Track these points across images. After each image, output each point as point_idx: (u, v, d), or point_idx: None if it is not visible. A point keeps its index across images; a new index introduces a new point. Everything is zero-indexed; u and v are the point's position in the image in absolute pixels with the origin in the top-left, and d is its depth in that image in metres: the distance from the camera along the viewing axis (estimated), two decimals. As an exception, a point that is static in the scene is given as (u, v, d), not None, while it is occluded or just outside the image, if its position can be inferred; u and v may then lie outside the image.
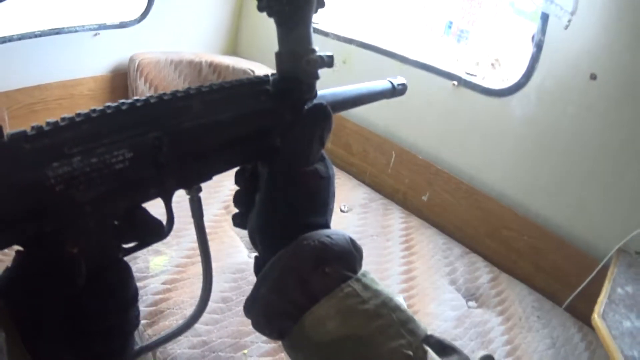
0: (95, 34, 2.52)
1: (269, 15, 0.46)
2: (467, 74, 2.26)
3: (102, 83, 2.73)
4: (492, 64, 3.45)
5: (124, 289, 0.42)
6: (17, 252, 0.36)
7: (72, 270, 0.37)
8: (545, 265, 2.07)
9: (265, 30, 3.05)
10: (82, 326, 0.39)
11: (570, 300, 1.99)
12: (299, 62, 0.48)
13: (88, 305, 0.39)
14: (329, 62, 0.50)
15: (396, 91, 0.66)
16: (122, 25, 2.63)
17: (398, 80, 0.66)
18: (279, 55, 0.49)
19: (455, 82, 2.25)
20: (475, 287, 2.05)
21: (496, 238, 2.21)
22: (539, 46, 1.97)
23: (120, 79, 2.75)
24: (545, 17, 1.93)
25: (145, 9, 2.67)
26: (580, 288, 1.96)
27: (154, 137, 0.40)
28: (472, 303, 1.99)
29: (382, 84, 0.65)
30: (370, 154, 2.63)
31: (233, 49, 3.32)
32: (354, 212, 2.38)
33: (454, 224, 2.35)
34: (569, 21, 1.80)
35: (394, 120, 2.52)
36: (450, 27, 4.18)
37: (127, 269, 0.43)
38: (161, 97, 0.42)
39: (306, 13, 0.47)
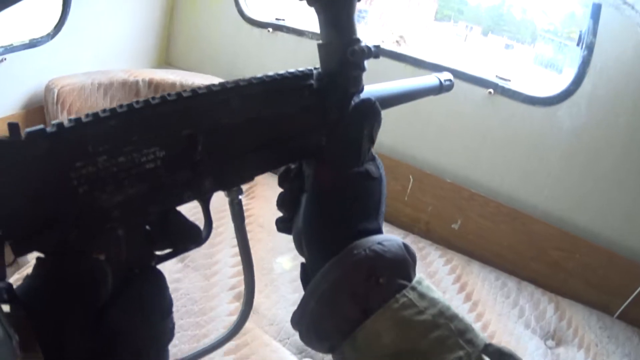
0: (1, 60, 1.94)
1: (310, 3, 0.44)
2: (499, 78, 1.98)
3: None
4: (397, 41, 3.50)
5: (157, 300, 0.39)
6: (38, 259, 0.34)
7: (96, 279, 0.35)
8: (596, 279, 1.99)
9: (201, 37, 2.69)
10: (110, 343, 0.36)
11: (623, 309, 1.95)
12: (342, 53, 0.45)
13: (116, 319, 0.36)
14: (375, 52, 0.46)
15: (443, 87, 0.64)
16: (33, 44, 2.09)
17: (444, 76, 0.64)
18: (321, 48, 0.46)
19: (492, 90, 1.96)
20: (547, 324, 1.90)
21: (543, 260, 2.05)
22: (590, 48, 1.79)
23: (35, 115, 2.22)
24: (596, 17, 1.73)
25: (59, 21, 2.15)
26: (633, 296, 1.92)
27: (188, 135, 0.37)
28: (550, 343, 1.84)
29: (429, 80, 0.63)
30: (380, 180, 2.23)
31: (165, 59, 2.86)
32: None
33: (492, 251, 2.12)
34: (643, 24, 1.62)
35: (410, 139, 2.17)
36: None
37: (160, 277, 0.40)
38: (195, 91, 0.39)
39: (349, 1, 0.44)
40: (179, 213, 0.41)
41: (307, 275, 0.47)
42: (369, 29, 3.84)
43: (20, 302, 0.32)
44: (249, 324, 1.48)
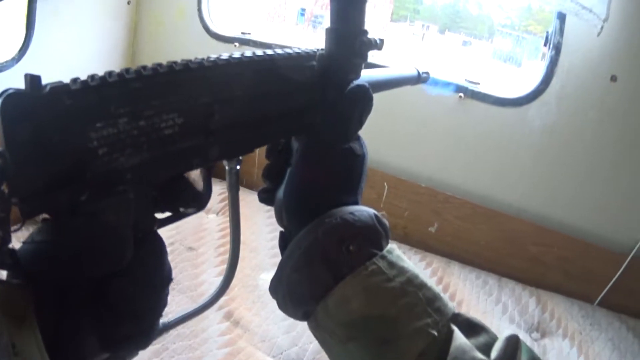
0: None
1: None
2: (468, 81, 2.01)
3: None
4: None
5: (159, 266, 0.40)
6: (44, 221, 0.33)
7: (110, 244, 0.35)
8: (575, 270, 2.04)
9: (166, 54, 2.57)
10: (113, 306, 0.36)
11: (602, 296, 2.02)
12: (351, 42, 0.47)
13: (122, 283, 0.36)
14: (380, 45, 0.49)
15: (420, 79, 0.68)
16: None
17: (423, 69, 0.67)
18: (331, 32, 0.47)
19: (462, 94, 1.99)
20: (530, 317, 1.94)
21: (521, 256, 2.09)
22: (557, 48, 1.84)
23: (5, 141, 1.95)
24: (562, 17, 1.79)
25: (23, 44, 2.06)
26: (611, 283, 1.98)
27: (205, 103, 0.38)
28: (535, 335, 1.89)
29: (409, 71, 0.66)
30: (352, 190, 2.22)
31: None
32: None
33: (470, 251, 2.15)
34: (602, 28, 1.68)
35: (383, 146, 2.16)
36: (302, 15, 4.02)
37: (162, 243, 0.41)
38: (216, 62, 0.39)
39: None
40: (185, 178, 0.42)
41: (285, 243, 0.49)
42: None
43: (21, 267, 0.31)
44: (242, 343, 1.49)
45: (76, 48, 2.37)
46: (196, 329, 1.51)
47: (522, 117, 1.96)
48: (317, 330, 0.46)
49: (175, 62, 0.37)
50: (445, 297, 0.45)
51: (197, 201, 0.44)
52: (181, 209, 0.43)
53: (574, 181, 1.98)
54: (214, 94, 0.39)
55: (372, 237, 0.46)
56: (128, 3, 2.58)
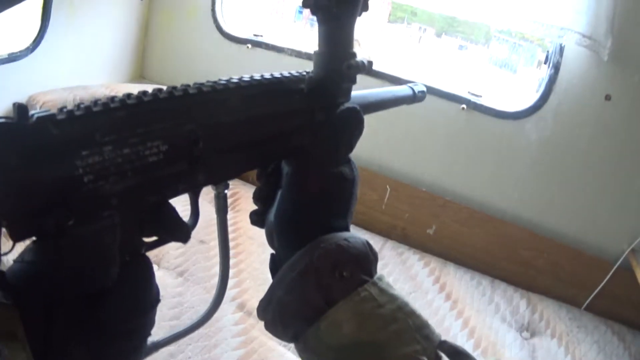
0: (-19, 75, 1.91)
1: (313, 12, 0.45)
2: (471, 94, 2.12)
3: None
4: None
5: (147, 288, 0.41)
6: (33, 243, 0.33)
7: (97, 265, 0.36)
8: (564, 275, 2.15)
9: (177, 52, 2.68)
10: (101, 325, 0.37)
11: (590, 301, 2.13)
12: (339, 65, 0.47)
13: (110, 303, 0.37)
14: (368, 67, 0.49)
15: (416, 97, 0.67)
16: (12, 58, 2.02)
17: (418, 87, 0.67)
18: (319, 55, 0.48)
19: (464, 106, 2.09)
20: (521, 317, 2.05)
21: (513, 260, 2.20)
22: (556, 68, 1.96)
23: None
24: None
25: (38, 35, 2.09)
26: (598, 289, 2.10)
27: (189, 130, 0.39)
28: (525, 334, 1.99)
29: (404, 90, 0.66)
30: (356, 191, 2.31)
31: (140, 73, 2.79)
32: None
33: (466, 253, 2.26)
34: (608, 54, 1.79)
35: (387, 152, 2.27)
36: (301, 12, 4.00)
37: (150, 265, 0.41)
38: (200, 88, 0.40)
39: (352, 14, 0.46)
40: (170, 204, 0.42)
41: (276, 265, 0.50)
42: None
43: (10, 289, 0.32)
44: (255, 333, 1.57)
45: (88, 41, 2.41)
46: (211, 318, 1.60)
47: (520, 130, 2.07)
48: (305, 352, 0.46)
49: (160, 90, 0.38)
50: (431, 326, 0.46)
51: (179, 230, 0.43)
52: (164, 235, 0.43)
53: (566, 192, 2.09)
54: (198, 120, 0.39)
55: (364, 264, 0.47)
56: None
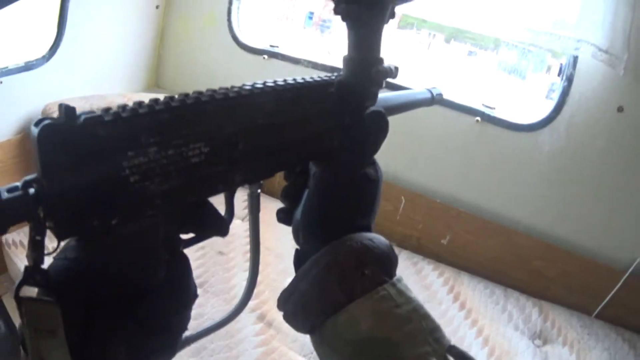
0: (-3, 84, 1.89)
1: (343, 19, 0.47)
2: (485, 106, 2.15)
3: (10, 150, 2.05)
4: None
5: (186, 284, 0.42)
6: (77, 241, 0.34)
7: (155, 262, 0.37)
8: (576, 284, 2.17)
9: (193, 61, 2.67)
10: (142, 322, 0.38)
11: (600, 309, 2.14)
12: (368, 70, 0.49)
13: (152, 300, 0.38)
14: (395, 73, 0.52)
15: (434, 100, 0.70)
16: (28, 66, 2.04)
17: (436, 90, 0.70)
18: (348, 61, 0.50)
19: (479, 118, 2.12)
20: (533, 325, 2.07)
21: (526, 269, 2.22)
22: (569, 80, 1.98)
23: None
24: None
25: (54, 43, 2.12)
26: (609, 297, 2.12)
27: (230, 133, 0.40)
28: (537, 342, 2.02)
29: (422, 93, 0.69)
30: (371, 203, 2.33)
31: (155, 82, 2.78)
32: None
33: (479, 263, 2.28)
34: (624, 67, 1.81)
35: (402, 164, 2.30)
36: (311, 18, 4.00)
37: (188, 262, 0.43)
38: (239, 92, 0.41)
39: (380, 21, 0.48)
40: (211, 204, 0.43)
41: (299, 260, 0.52)
42: (334, 39, 3.80)
43: (52, 287, 0.33)
44: (275, 343, 1.60)
45: (104, 50, 2.42)
46: (232, 329, 1.63)
47: (533, 141, 2.10)
48: (321, 346, 0.48)
49: (201, 93, 0.39)
50: (442, 330, 0.47)
51: (221, 226, 0.45)
52: (204, 232, 0.44)
53: (579, 202, 2.11)
54: (238, 123, 0.40)
55: (386, 264, 0.49)
56: (157, 7, 2.61)
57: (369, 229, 0.52)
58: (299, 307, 0.48)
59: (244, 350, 1.57)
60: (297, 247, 0.54)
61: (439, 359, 0.44)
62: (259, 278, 1.87)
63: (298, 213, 0.53)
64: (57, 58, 2.15)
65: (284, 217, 0.55)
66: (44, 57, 2.11)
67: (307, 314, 0.48)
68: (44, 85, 2.13)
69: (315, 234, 0.51)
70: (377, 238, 0.50)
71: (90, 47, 2.32)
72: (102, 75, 2.46)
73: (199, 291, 1.47)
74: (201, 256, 1.97)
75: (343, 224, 0.50)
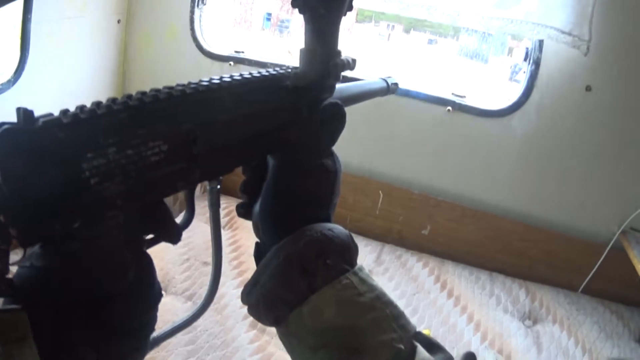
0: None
1: (301, 12, 0.47)
2: (455, 95, 2.17)
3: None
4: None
5: (152, 283, 0.42)
6: (42, 246, 0.34)
7: (123, 264, 0.37)
8: (559, 262, 2.22)
9: (159, 74, 2.65)
10: (109, 325, 0.38)
11: (585, 284, 2.20)
12: (325, 63, 0.49)
13: (118, 302, 0.38)
14: (352, 65, 0.51)
15: (390, 89, 0.69)
16: None
17: (391, 80, 0.69)
18: (305, 53, 0.49)
19: (450, 108, 2.14)
20: (522, 307, 2.11)
21: (509, 252, 2.26)
22: (537, 63, 2.02)
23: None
24: None
25: (19, 66, 2.09)
26: (592, 271, 2.18)
27: (188, 129, 0.39)
28: (528, 322, 2.05)
29: (377, 83, 0.68)
30: (349, 199, 2.35)
31: (122, 93, 2.56)
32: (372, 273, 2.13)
33: (461, 250, 2.31)
34: (588, 48, 1.85)
35: (377, 157, 2.31)
36: (269, 20, 3.97)
37: (151, 261, 0.42)
38: (197, 88, 0.41)
39: (338, 14, 0.48)
40: (165, 203, 0.43)
41: (260, 253, 0.51)
42: (293, 38, 3.76)
43: (18, 294, 0.32)
44: (272, 349, 1.59)
45: (69, 68, 2.37)
46: (227, 338, 1.61)
47: (505, 126, 2.13)
48: (287, 336, 0.48)
49: (158, 90, 0.38)
50: (407, 316, 0.48)
51: (175, 231, 0.44)
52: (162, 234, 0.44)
53: (554, 182, 2.16)
54: (196, 119, 0.40)
55: (346, 253, 0.49)
56: (118, 21, 2.57)
57: (328, 220, 0.52)
58: (261, 300, 0.48)
59: (241, 358, 1.56)
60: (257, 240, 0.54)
61: (405, 345, 0.44)
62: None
63: (257, 207, 0.52)
64: (23, 81, 2.11)
65: (243, 211, 0.54)
66: (9, 81, 2.08)
67: (270, 307, 0.48)
68: (12, 109, 2.02)
69: (274, 226, 0.51)
70: (336, 228, 0.50)
71: (55, 67, 2.26)
72: (68, 93, 2.38)
73: (188, 304, 1.43)
74: (187, 268, 1.94)
75: (302, 216, 0.50)
